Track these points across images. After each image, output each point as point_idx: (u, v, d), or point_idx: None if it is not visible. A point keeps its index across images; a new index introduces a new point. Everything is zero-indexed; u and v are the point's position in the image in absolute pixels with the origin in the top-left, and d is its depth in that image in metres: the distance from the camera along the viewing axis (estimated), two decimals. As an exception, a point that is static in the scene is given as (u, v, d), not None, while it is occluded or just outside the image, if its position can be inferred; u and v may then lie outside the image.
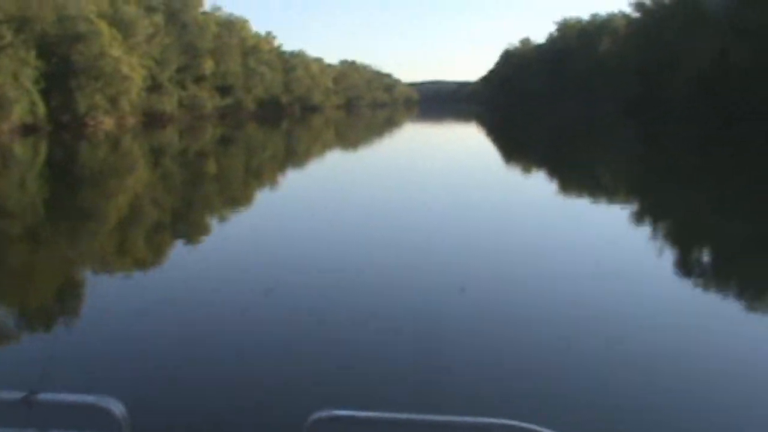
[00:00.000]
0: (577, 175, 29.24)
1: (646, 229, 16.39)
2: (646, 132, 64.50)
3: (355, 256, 12.58)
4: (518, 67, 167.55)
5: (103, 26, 68.11)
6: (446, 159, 36.43)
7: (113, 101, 71.07)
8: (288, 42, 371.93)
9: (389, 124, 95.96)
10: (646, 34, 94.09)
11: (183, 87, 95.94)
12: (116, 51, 67.39)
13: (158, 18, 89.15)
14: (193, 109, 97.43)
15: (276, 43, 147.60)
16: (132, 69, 71.16)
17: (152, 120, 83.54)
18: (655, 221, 17.56)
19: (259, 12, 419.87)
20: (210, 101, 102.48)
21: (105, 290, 10.61)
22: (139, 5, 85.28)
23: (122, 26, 74.70)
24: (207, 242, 14.99)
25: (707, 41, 72.47)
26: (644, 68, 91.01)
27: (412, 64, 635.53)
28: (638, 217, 18.09)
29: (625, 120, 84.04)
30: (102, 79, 66.61)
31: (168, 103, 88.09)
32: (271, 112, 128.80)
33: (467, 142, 54.55)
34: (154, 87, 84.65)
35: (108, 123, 72.32)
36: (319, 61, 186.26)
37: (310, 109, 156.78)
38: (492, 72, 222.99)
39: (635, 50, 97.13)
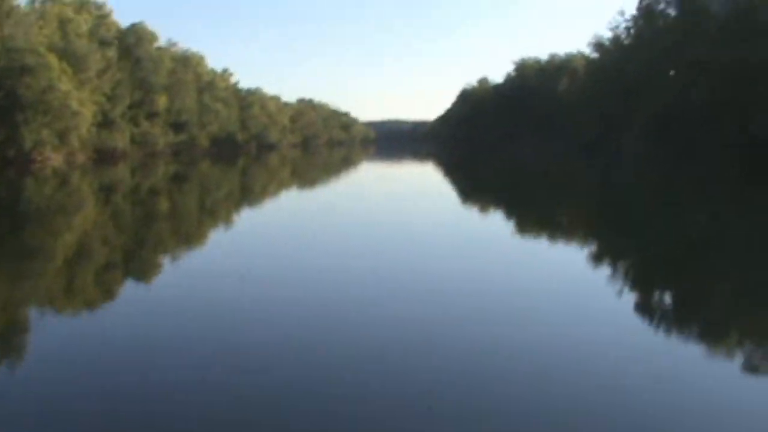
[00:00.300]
0: (537, 216, 28.11)
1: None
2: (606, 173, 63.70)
3: (304, 307, 11.77)
4: (476, 106, 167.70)
5: (52, 59, 65.58)
6: (403, 200, 35.19)
7: (62, 137, 68.25)
8: (246, 79, 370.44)
9: (346, 163, 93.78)
10: (605, 73, 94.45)
11: (135, 123, 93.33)
12: (65, 85, 64.76)
13: (111, 52, 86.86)
14: (145, 146, 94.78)
15: (233, 79, 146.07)
16: (82, 104, 68.49)
17: (103, 157, 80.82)
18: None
19: (216, 49, 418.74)
20: (163, 138, 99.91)
21: (51, 331, 10.32)
22: (92, 39, 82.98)
23: (73, 60, 72.17)
24: (154, 283, 14.44)
25: (671, 77, 72.51)
26: (604, 108, 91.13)
27: (369, 103, 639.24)
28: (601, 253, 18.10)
29: (584, 159, 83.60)
30: (50, 113, 63.84)
31: (120, 140, 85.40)
32: (227, 149, 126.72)
33: (424, 183, 52.83)
34: (105, 123, 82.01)
35: (56, 159, 69.44)
36: (276, 98, 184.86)
37: (266, 146, 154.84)
38: (449, 111, 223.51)
39: (595, 89, 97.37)
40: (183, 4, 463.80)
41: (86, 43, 77.18)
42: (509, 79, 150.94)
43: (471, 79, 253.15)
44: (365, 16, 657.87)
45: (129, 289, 13.92)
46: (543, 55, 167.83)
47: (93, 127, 77.44)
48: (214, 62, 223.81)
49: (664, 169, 58.92)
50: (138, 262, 17.34)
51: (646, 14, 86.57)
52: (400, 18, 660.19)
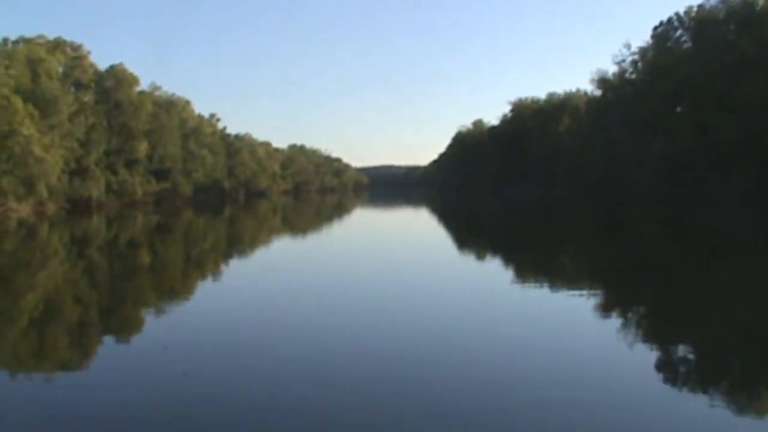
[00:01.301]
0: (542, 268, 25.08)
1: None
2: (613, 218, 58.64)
3: (294, 362, 11.18)
4: (471, 149, 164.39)
5: (16, 101, 60.20)
6: (398, 249, 33.71)
7: (29, 185, 62.54)
8: (235, 125, 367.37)
9: (339, 210, 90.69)
10: (610, 110, 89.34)
11: (113, 171, 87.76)
12: (28, 129, 59.09)
13: (87, 95, 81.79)
14: (122, 195, 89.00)
15: (220, 125, 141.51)
16: (47, 149, 62.80)
17: (77, 207, 75.60)
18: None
19: (205, 95, 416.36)
20: (142, 186, 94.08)
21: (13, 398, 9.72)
22: (65, 81, 78.02)
23: (42, 102, 66.88)
24: (124, 350, 12.96)
25: (686, 114, 67.21)
26: (609, 148, 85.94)
27: (362, 149, 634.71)
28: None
29: (588, 203, 78.80)
30: (12, 160, 58.14)
31: (94, 188, 79.67)
32: (213, 197, 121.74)
33: (419, 230, 51.24)
34: (79, 170, 76.48)
35: (23, 210, 63.92)
36: (266, 144, 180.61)
37: (255, 194, 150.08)
38: (443, 155, 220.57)
39: (599, 129, 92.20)
40: (169, 49, 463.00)
41: (58, 85, 71.95)
42: (505, 120, 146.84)
43: (465, 122, 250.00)
44: (357, 62, 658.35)
45: (92, 354, 12.74)
46: (539, 94, 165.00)
47: (65, 174, 72.13)
48: (201, 108, 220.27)
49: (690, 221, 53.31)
50: (109, 325, 15.66)
51: (658, 44, 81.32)
52: (392, 64, 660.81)
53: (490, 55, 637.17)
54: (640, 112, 78.13)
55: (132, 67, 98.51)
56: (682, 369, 10.98)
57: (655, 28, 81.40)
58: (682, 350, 12.32)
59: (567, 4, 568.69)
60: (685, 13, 77.46)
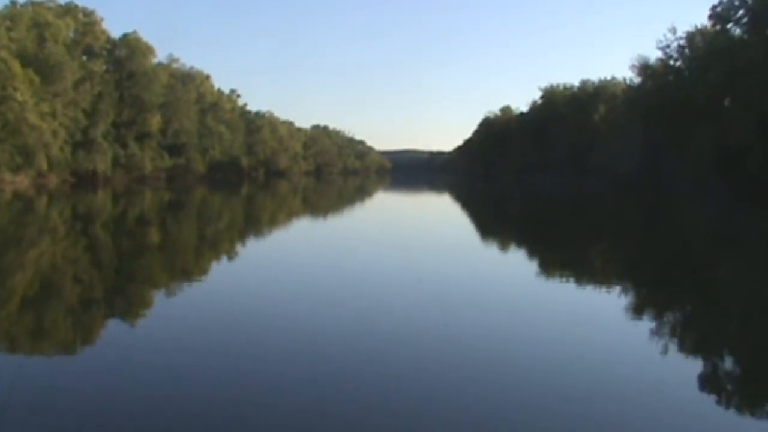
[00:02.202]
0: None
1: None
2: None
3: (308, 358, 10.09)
4: (498, 136, 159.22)
5: (15, 65, 55.89)
6: (420, 236, 31.71)
7: (26, 156, 58.35)
8: (257, 104, 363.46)
9: (361, 193, 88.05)
10: (653, 98, 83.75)
11: (123, 144, 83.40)
12: (23, 95, 54.72)
13: (98, 64, 77.58)
14: (131, 170, 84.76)
15: (240, 101, 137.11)
16: (44, 117, 58.43)
17: (82, 181, 71.86)
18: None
19: (226, 72, 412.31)
20: (153, 162, 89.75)
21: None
22: (75, 47, 73.78)
23: (45, 69, 62.63)
24: (132, 327, 12.33)
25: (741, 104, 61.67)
26: (649, 138, 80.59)
27: (385, 132, 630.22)
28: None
29: (625, 194, 73.97)
30: (5, 128, 53.86)
31: (101, 162, 75.50)
32: (230, 175, 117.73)
33: (441, 217, 48.66)
34: (84, 142, 72.27)
35: (20, 182, 59.83)
36: (288, 123, 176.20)
37: (276, 174, 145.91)
38: (469, 141, 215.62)
39: (638, 118, 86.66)
40: (190, 24, 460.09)
41: (63, 50, 67.62)
42: (535, 107, 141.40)
43: (491, 108, 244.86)
44: (382, 44, 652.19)
45: (93, 338, 11.76)
46: (569, 80, 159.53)
47: (68, 146, 68.02)
48: (223, 85, 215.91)
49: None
50: (109, 307, 14.59)
51: (715, 24, 74.90)
52: (417, 45, 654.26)
53: (517, 41, 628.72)
54: (688, 99, 72.67)
55: (152, 41, 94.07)
56: (722, 379, 10.01)
57: (713, 8, 75.42)
58: (721, 360, 11.42)
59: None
60: (747, -9, 71.42)
